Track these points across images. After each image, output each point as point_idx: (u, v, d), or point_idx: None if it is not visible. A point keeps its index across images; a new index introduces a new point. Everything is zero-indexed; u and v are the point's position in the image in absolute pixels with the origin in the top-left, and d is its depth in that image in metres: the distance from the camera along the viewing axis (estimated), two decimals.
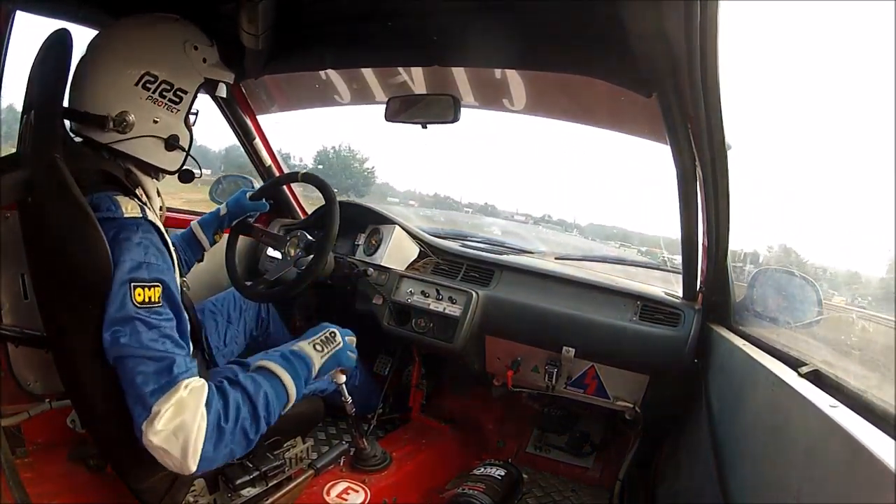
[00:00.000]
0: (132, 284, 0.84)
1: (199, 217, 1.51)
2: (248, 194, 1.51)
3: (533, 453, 1.86)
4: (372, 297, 1.69)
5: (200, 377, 0.87)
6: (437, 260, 1.79)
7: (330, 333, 1.10)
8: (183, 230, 1.47)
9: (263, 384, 0.92)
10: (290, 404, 0.97)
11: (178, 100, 1.02)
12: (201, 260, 1.48)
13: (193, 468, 0.82)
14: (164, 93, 1.00)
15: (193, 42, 1.04)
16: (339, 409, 1.34)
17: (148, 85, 0.98)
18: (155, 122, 1.01)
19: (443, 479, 1.63)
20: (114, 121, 0.96)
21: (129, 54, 0.98)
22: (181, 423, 0.80)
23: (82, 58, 0.98)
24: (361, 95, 1.74)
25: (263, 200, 1.53)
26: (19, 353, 1.05)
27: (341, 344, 1.11)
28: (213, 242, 1.47)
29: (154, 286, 0.86)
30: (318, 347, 1.06)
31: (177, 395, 0.81)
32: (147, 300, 0.85)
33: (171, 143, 1.03)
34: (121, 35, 1.00)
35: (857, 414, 0.64)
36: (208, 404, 0.84)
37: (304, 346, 1.05)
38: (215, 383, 0.88)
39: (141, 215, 0.91)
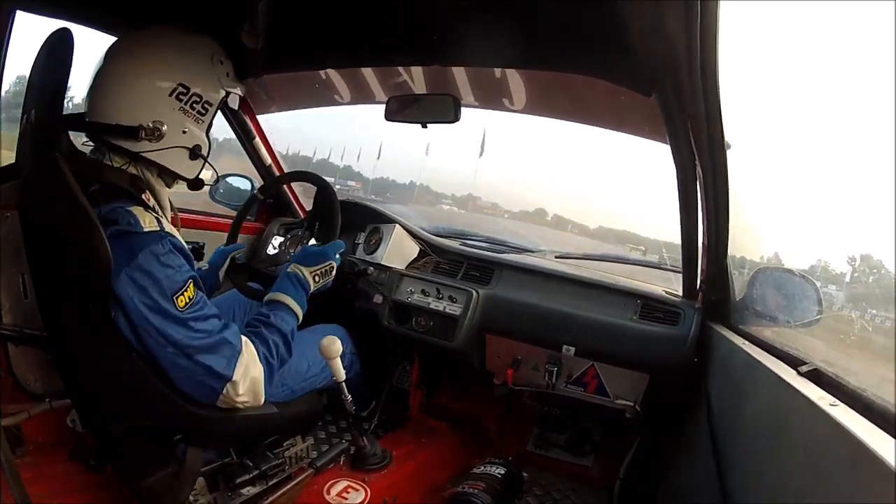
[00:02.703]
0: (175, 297, 0.91)
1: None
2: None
3: (533, 452, 1.86)
4: (372, 296, 1.69)
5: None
6: (438, 259, 1.79)
7: (330, 268, 1.23)
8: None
9: (287, 318, 1.11)
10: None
11: (204, 111, 1.05)
12: (200, 259, 1.48)
13: (263, 400, 1.04)
14: (195, 104, 1.03)
15: (220, 56, 1.07)
16: (339, 407, 1.34)
17: (181, 96, 1.00)
18: (184, 132, 1.03)
19: (443, 478, 1.63)
20: (146, 130, 0.97)
21: (162, 66, 0.99)
22: (252, 380, 1.00)
23: (103, 68, 0.98)
24: (361, 95, 1.74)
25: (238, 242, 1.54)
26: (19, 353, 1.05)
27: (332, 277, 1.25)
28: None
29: (187, 286, 0.94)
30: (317, 279, 1.20)
31: (243, 360, 0.98)
32: (188, 301, 0.93)
33: (195, 153, 1.06)
34: (148, 46, 1.01)
35: (858, 412, 0.64)
36: (259, 355, 1.02)
37: (307, 275, 1.18)
38: (253, 330, 1.05)
39: (159, 228, 0.93)
